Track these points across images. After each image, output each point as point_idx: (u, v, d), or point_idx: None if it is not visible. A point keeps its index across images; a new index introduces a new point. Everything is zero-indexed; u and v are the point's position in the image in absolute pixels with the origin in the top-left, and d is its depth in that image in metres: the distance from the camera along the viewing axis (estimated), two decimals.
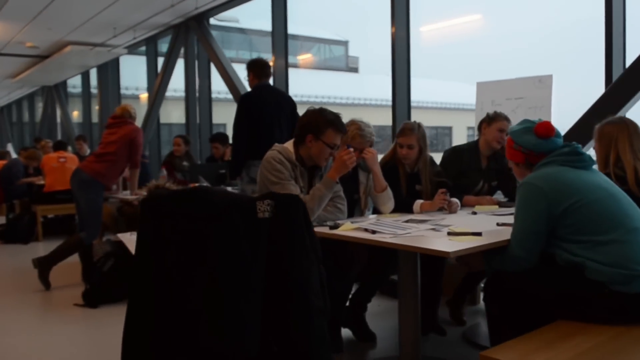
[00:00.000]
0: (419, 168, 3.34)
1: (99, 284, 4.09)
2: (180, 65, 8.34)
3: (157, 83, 8.52)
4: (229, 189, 5.36)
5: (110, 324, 3.57)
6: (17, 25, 7.98)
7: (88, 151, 8.90)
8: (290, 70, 6.46)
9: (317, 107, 2.80)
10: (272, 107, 4.40)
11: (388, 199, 3.10)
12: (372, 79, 19.53)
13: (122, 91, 11.27)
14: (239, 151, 4.36)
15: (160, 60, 9.49)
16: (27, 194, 8.06)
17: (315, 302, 1.79)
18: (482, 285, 3.01)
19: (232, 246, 1.71)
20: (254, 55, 8.05)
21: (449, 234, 2.38)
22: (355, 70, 22.90)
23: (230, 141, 5.30)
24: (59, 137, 13.84)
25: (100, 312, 3.95)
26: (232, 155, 4.47)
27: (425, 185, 3.32)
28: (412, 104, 4.97)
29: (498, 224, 2.61)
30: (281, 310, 1.79)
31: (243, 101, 4.38)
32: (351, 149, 2.75)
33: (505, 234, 2.29)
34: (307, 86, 15.57)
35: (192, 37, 7.87)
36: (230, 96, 7.36)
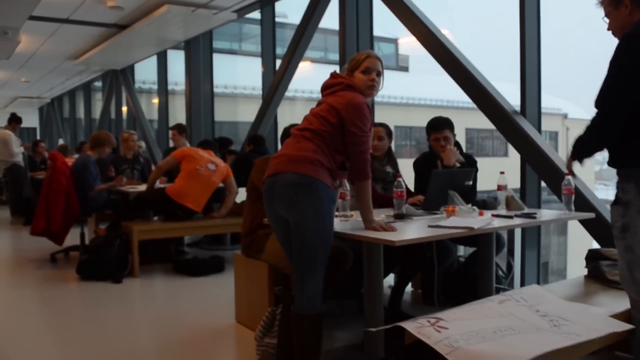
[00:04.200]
0: None
1: None
2: None
3: (291, 51, 6.10)
4: (485, 217, 2.89)
5: None
6: None
7: (186, 146, 6.55)
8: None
9: None
10: None
11: None
12: (423, 78, 18.44)
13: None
14: (611, 132, 2.07)
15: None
16: (108, 205, 5.73)
17: None
18: None
19: None
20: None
21: None
22: (405, 69, 21.18)
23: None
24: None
25: None
26: (588, 135, 2.09)
27: None
28: None
29: None
30: None
31: (630, 46, 2.02)
32: None
33: None
34: None
35: None
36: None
